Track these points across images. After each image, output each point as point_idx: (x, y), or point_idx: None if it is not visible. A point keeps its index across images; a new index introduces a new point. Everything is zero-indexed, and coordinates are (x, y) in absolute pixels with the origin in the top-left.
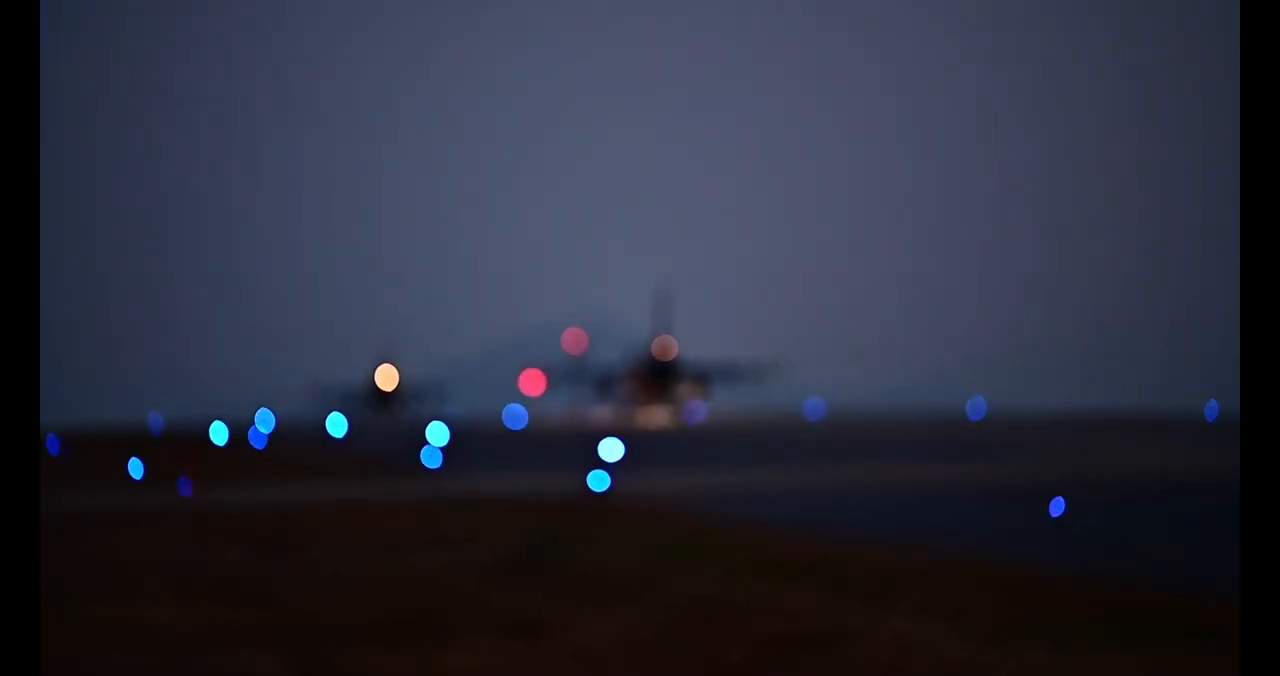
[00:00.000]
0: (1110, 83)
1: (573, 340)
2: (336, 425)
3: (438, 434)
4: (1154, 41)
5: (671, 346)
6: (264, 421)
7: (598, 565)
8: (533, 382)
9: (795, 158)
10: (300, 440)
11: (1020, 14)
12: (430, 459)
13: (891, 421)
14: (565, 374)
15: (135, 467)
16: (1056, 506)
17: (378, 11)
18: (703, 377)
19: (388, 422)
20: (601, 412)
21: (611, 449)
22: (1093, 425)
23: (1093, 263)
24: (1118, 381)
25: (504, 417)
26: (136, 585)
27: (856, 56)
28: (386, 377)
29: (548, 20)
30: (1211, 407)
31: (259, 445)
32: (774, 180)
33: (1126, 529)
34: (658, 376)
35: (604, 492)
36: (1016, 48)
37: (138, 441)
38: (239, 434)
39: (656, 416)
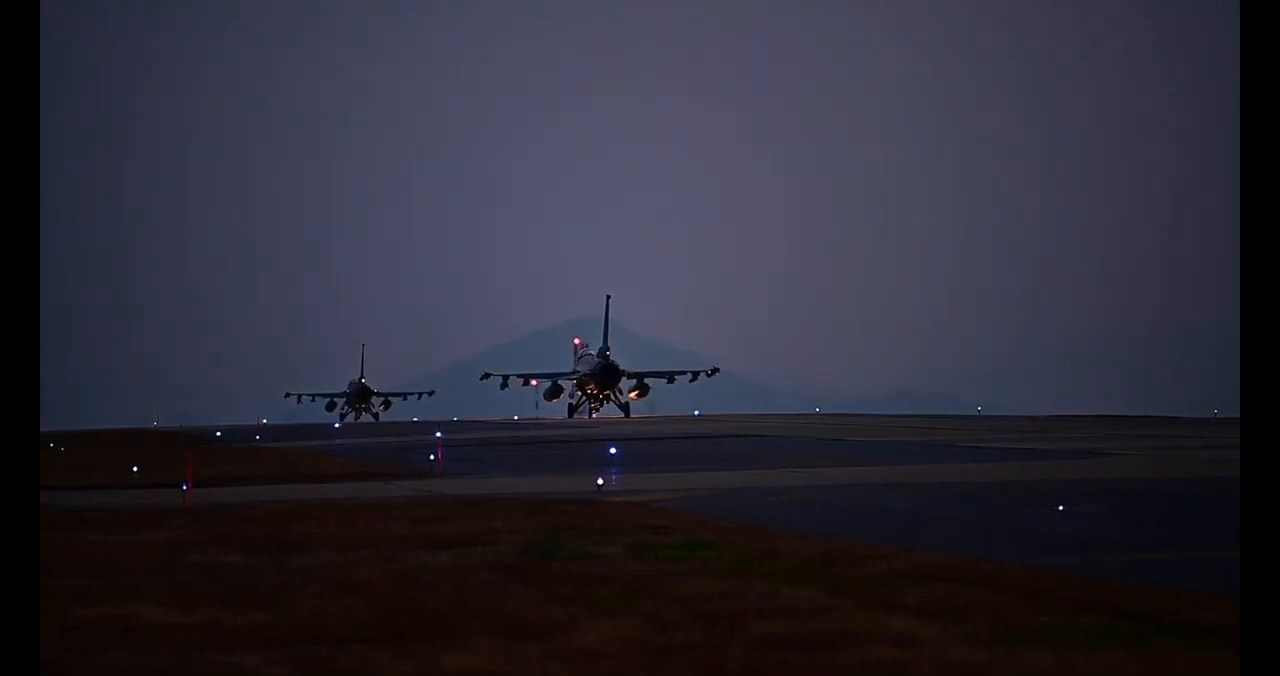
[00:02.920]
0: (1105, 83)
1: (577, 346)
2: (331, 425)
3: None
4: (1144, 44)
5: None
6: (262, 422)
7: (598, 565)
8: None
9: (789, 165)
10: (297, 441)
11: (992, 17)
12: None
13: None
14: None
15: (134, 468)
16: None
17: (379, 35)
18: (642, 381)
19: (369, 422)
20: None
21: None
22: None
23: (1073, 268)
24: (1087, 388)
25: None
26: (135, 585)
27: (844, 59)
28: (365, 382)
29: (562, 58)
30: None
31: (257, 445)
32: (767, 188)
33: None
34: (602, 379)
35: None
36: (999, 50)
37: (138, 442)
38: (238, 435)
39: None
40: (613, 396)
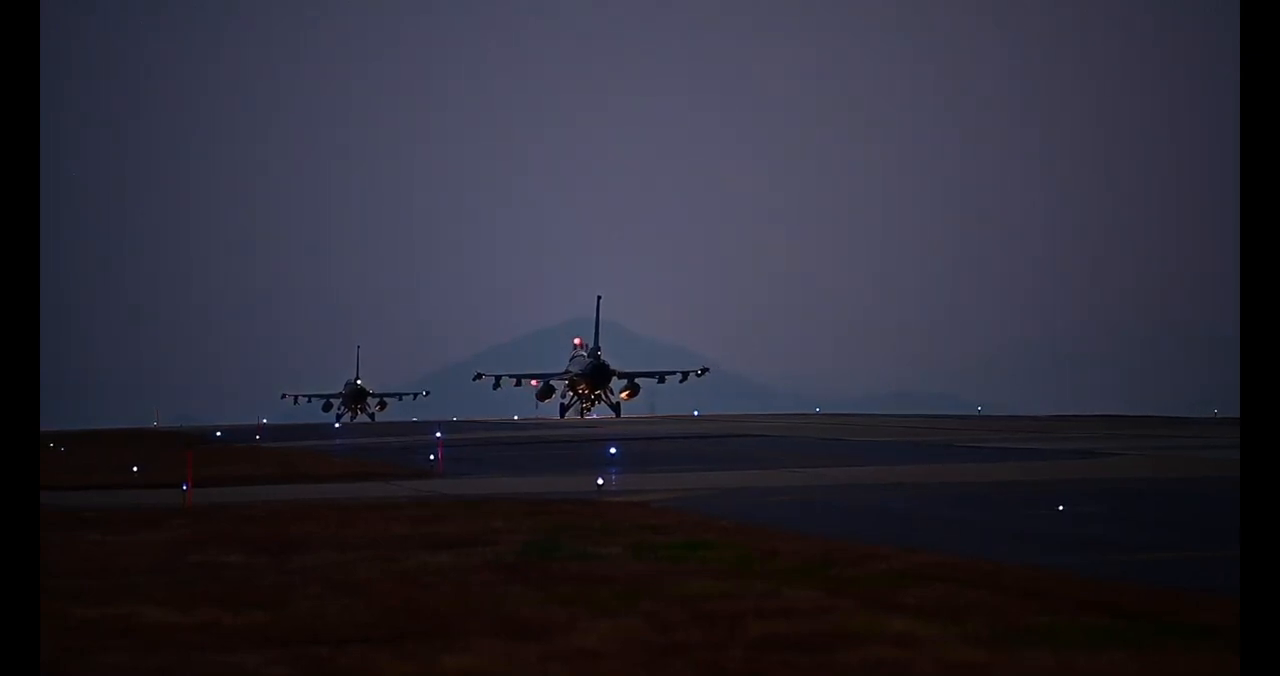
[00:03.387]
0: (1105, 83)
1: (577, 346)
2: (331, 425)
3: None
4: (1144, 44)
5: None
6: (262, 422)
7: (598, 565)
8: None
9: (789, 164)
10: (297, 441)
11: (992, 17)
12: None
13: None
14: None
15: (135, 468)
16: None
17: (379, 35)
18: (633, 381)
19: (363, 422)
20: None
21: None
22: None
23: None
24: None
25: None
26: (135, 585)
27: (840, 59)
28: (360, 383)
29: (561, 61)
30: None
31: (257, 445)
32: (766, 188)
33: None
34: (593, 379)
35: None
36: (999, 50)
37: (138, 442)
38: (237, 435)
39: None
40: (604, 396)
